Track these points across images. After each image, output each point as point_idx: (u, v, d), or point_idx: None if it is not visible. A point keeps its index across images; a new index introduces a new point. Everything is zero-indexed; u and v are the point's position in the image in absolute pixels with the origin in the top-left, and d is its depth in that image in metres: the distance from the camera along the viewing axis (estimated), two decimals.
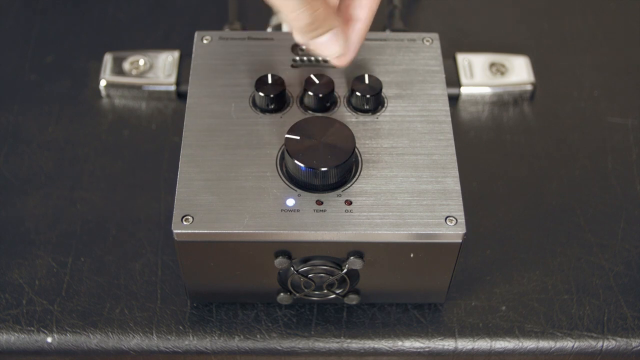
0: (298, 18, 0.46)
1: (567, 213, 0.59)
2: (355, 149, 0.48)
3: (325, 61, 0.54)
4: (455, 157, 0.49)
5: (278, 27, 0.64)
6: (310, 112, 0.52)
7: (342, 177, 0.48)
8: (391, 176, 0.49)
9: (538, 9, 0.73)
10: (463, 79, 0.65)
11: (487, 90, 0.65)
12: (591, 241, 0.57)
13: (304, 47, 0.55)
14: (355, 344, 0.52)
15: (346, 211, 0.47)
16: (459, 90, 0.65)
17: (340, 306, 0.54)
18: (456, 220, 0.47)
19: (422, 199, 0.47)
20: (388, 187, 0.48)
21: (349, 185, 0.48)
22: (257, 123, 0.51)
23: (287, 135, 0.48)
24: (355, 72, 0.53)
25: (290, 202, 0.47)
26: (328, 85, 0.51)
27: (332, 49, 0.49)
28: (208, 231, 0.46)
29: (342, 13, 0.49)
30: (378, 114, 0.52)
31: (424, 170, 0.49)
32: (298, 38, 0.48)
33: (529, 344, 0.53)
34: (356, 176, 0.48)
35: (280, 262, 0.48)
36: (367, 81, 0.51)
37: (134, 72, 0.65)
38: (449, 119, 0.51)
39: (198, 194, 0.47)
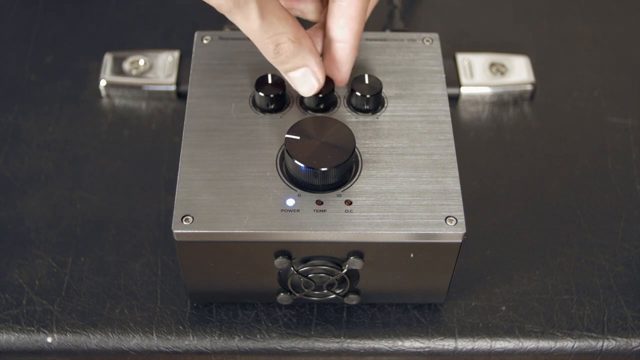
0: (264, 47, 0.46)
1: (567, 213, 0.59)
2: (355, 149, 0.49)
3: None
4: (455, 157, 0.49)
5: None
6: (310, 112, 0.52)
7: (342, 177, 0.48)
8: (391, 176, 0.49)
9: (538, 9, 0.73)
10: (463, 79, 0.65)
11: (487, 90, 0.65)
12: (591, 241, 0.57)
13: None
14: (355, 344, 0.52)
15: (346, 211, 0.47)
16: (459, 90, 0.65)
17: (340, 306, 0.54)
18: (456, 220, 0.47)
19: (422, 199, 0.47)
20: (388, 187, 0.48)
21: (349, 185, 0.48)
22: (257, 123, 0.51)
23: (287, 135, 0.48)
24: (355, 72, 0.53)
25: (290, 202, 0.47)
26: (328, 85, 0.51)
27: (302, 87, 0.49)
28: (208, 231, 0.46)
29: (327, 34, 0.49)
30: (378, 114, 0.52)
31: (424, 170, 0.49)
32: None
33: (529, 344, 0.53)
34: (356, 176, 0.48)
35: (280, 262, 0.48)
36: (367, 81, 0.51)
37: (134, 72, 0.65)
38: (449, 119, 0.51)
39: (198, 194, 0.47)
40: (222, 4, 0.43)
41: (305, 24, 0.49)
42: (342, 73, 0.50)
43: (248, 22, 0.44)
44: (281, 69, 0.48)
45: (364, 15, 0.47)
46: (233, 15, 0.44)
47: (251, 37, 0.45)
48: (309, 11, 0.50)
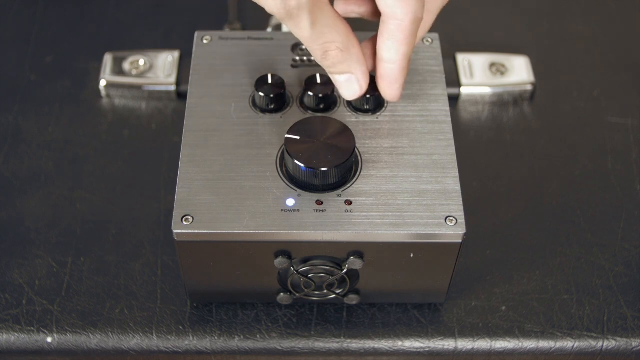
0: (312, 52, 0.47)
1: (567, 213, 0.59)
2: (355, 149, 0.48)
3: None
4: (455, 157, 0.49)
5: (278, 27, 0.64)
6: (310, 112, 0.52)
7: (342, 177, 0.48)
8: (391, 176, 0.49)
9: (538, 9, 0.73)
10: (463, 79, 0.65)
11: (487, 90, 0.65)
12: (591, 241, 0.57)
13: (303, 46, 0.55)
14: (355, 344, 0.52)
15: (346, 211, 0.47)
16: (459, 90, 0.65)
17: (340, 306, 0.54)
18: (456, 220, 0.47)
19: (422, 199, 0.47)
20: (388, 187, 0.48)
21: (349, 185, 0.48)
22: (257, 123, 0.51)
23: (287, 135, 0.48)
24: None
25: (290, 202, 0.47)
26: (328, 85, 0.51)
27: (345, 91, 0.49)
28: (208, 231, 0.46)
29: (377, 52, 0.49)
30: (378, 114, 0.52)
31: (424, 170, 0.49)
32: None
33: (529, 344, 0.53)
34: (356, 176, 0.48)
35: (280, 262, 0.48)
36: None
37: (134, 72, 0.65)
38: (449, 119, 0.51)
39: (198, 194, 0.47)
40: (276, 12, 0.44)
41: (365, 24, 0.50)
42: (393, 90, 0.49)
43: (299, 30, 0.45)
44: (327, 71, 0.49)
45: (413, 38, 0.47)
46: (286, 22, 0.45)
47: (301, 40, 0.46)
48: (367, 14, 0.50)
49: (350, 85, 0.49)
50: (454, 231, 0.46)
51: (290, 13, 0.44)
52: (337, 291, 0.51)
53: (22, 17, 0.71)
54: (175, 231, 0.46)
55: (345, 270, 0.48)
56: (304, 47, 0.55)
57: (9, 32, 0.70)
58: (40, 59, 0.68)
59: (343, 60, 0.47)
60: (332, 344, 0.52)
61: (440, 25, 0.71)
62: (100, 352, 0.52)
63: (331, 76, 0.49)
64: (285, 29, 0.64)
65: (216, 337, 0.52)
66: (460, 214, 0.47)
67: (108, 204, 0.58)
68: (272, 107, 0.51)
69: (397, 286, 0.51)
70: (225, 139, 0.50)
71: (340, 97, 0.52)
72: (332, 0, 0.49)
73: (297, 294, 0.51)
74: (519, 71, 0.66)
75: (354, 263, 0.48)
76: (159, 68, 0.65)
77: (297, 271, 0.48)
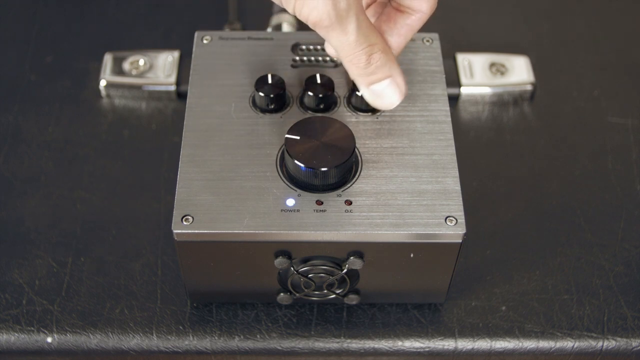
0: (356, 59, 0.46)
1: (567, 213, 0.59)
2: (355, 149, 0.48)
3: (325, 60, 0.54)
4: (455, 157, 0.49)
5: (278, 27, 0.64)
6: (310, 112, 0.52)
7: (342, 177, 0.48)
8: (391, 176, 0.49)
9: (538, 9, 0.73)
10: (463, 79, 0.65)
11: (487, 90, 0.65)
12: (591, 241, 0.57)
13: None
14: (355, 344, 0.52)
15: (346, 211, 0.47)
16: (459, 90, 0.65)
17: (340, 306, 0.54)
18: (456, 220, 0.47)
19: (422, 199, 0.47)
20: (388, 187, 0.48)
21: (349, 185, 0.48)
22: (257, 123, 0.51)
23: (287, 135, 0.48)
24: None
25: (290, 202, 0.47)
26: (328, 85, 0.51)
27: (389, 98, 0.48)
28: (208, 231, 0.46)
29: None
30: (378, 114, 0.52)
31: (424, 170, 0.49)
32: (358, 84, 0.48)
33: (529, 344, 0.53)
34: (356, 176, 0.48)
35: (280, 262, 0.48)
36: None
37: (134, 72, 0.65)
38: (449, 119, 0.51)
39: (198, 194, 0.47)
40: (324, 19, 0.43)
41: None
42: None
43: (345, 36, 0.44)
44: (367, 80, 0.47)
45: None
46: (330, 31, 0.44)
47: (343, 50, 0.45)
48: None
49: (392, 90, 0.48)
50: (454, 231, 0.46)
51: (340, 16, 0.43)
52: (337, 291, 0.51)
53: (22, 17, 0.71)
54: (175, 231, 0.46)
55: (345, 270, 0.48)
56: (303, 47, 0.55)
57: (9, 32, 0.70)
58: (40, 59, 0.68)
59: (385, 62, 0.46)
60: (332, 344, 0.52)
61: (440, 25, 0.71)
62: (100, 352, 0.52)
63: (368, 90, 0.48)
64: (285, 28, 0.64)
65: (216, 337, 0.52)
66: (460, 214, 0.47)
67: (108, 204, 0.58)
68: (272, 107, 0.51)
69: (397, 286, 0.51)
70: (225, 139, 0.50)
71: (340, 97, 0.52)
72: None
73: (297, 294, 0.51)
74: (519, 71, 0.66)
75: (354, 263, 0.48)
76: (159, 68, 0.65)
77: (297, 271, 0.48)
